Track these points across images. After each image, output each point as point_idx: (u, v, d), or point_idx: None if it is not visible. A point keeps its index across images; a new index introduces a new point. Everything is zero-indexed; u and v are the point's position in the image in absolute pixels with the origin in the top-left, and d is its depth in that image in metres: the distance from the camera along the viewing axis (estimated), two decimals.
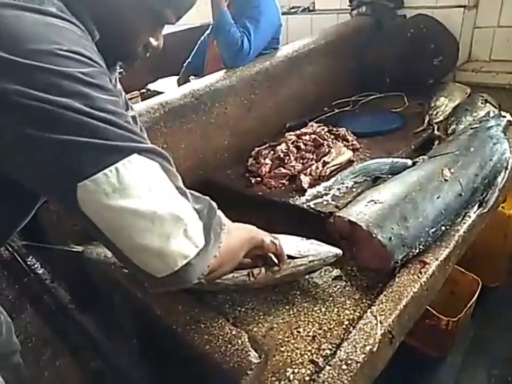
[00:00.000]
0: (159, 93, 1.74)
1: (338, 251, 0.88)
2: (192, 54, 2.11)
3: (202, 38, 2.09)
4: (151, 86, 2.24)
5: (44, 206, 1.21)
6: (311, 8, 2.58)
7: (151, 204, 0.50)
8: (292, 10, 2.66)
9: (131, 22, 0.61)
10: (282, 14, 2.50)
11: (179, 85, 2.04)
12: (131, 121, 0.53)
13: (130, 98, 2.35)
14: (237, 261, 0.72)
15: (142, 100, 2.00)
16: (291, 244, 0.87)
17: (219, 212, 0.64)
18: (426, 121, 1.50)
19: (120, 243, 0.51)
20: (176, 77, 2.15)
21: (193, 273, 0.56)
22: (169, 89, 1.76)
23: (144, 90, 2.21)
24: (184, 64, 2.12)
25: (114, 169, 0.48)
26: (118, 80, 0.84)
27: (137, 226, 0.50)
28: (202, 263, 0.57)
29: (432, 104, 1.59)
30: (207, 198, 0.61)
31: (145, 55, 0.68)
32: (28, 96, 0.44)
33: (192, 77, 2.08)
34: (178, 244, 0.53)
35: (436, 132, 1.43)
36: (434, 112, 1.54)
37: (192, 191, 0.59)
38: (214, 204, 0.62)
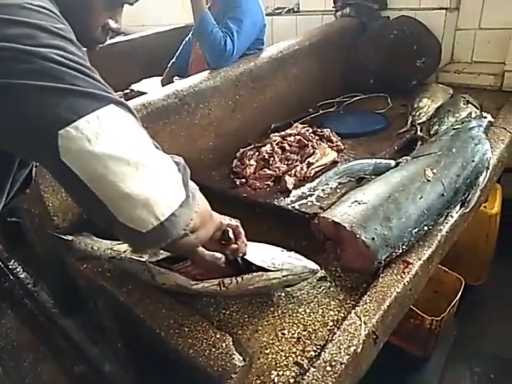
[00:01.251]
0: (142, 93, 1.72)
1: (315, 267, 0.85)
2: (176, 55, 2.09)
3: (186, 38, 2.08)
4: (135, 87, 2.22)
5: (25, 209, 1.19)
6: (295, 9, 2.58)
7: (134, 151, 0.50)
8: (277, 11, 2.66)
9: (92, 11, 0.62)
10: (267, 14, 2.50)
11: (163, 85, 2.02)
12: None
13: None
14: (210, 230, 0.70)
15: (126, 100, 1.98)
16: (267, 255, 0.85)
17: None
18: (409, 122, 1.52)
19: (104, 194, 0.50)
20: (160, 78, 2.13)
21: (178, 224, 0.55)
22: (152, 90, 1.75)
23: (128, 90, 2.18)
24: (168, 65, 2.10)
25: (95, 116, 0.48)
26: None
27: (121, 173, 0.49)
28: (186, 215, 0.56)
29: (415, 105, 1.61)
30: (180, 157, 0.61)
31: (105, 38, 0.68)
32: (5, 48, 0.45)
33: (176, 77, 2.07)
34: (162, 193, 0.53)
35: (419, 132, 1.45)
36: (417, 113, 1.56)
37: None
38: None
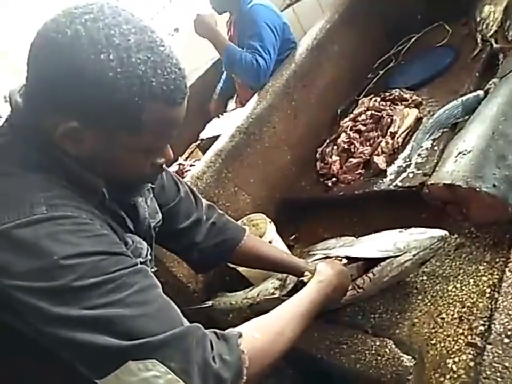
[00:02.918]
0: (211, 138, 1.81)
1: (442, 233, 0.81)
2: (222, 79, 2.16)
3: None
4: (203, 135, 2.32)
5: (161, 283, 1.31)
6: None
7: None
8: None
9: (133, 166, 0.60)
10: (286, 7, 2.48)
11: (212, 110, 2.16)
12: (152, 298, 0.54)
13: (191, 153, 2.46)
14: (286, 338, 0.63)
15: (201, 151, 2.10)
16: (388, 242, 0.82)
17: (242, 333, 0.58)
18: (479, 39, 1.34)
19: None
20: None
21: None
22: (217, 131, 1.82)
23: (199, 142, 2.30)
24: (217, 91, 2.17)
25: (114, 376, 0.49)
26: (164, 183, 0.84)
27: None
28: None
29: (478, 18, 1.42)
30: (236, 347, 0.55)
31: (157, 171, 0.66)
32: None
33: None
34: None
35: (495, 45, 1.27)
36: (484, 26, 1.37)
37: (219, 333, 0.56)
38: (233, 342, 0.56)
